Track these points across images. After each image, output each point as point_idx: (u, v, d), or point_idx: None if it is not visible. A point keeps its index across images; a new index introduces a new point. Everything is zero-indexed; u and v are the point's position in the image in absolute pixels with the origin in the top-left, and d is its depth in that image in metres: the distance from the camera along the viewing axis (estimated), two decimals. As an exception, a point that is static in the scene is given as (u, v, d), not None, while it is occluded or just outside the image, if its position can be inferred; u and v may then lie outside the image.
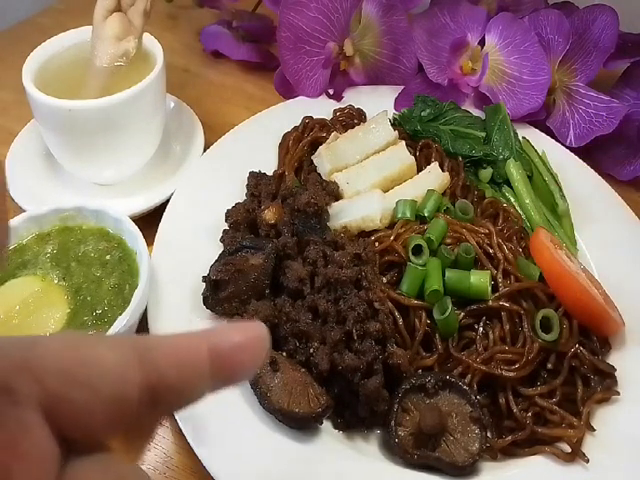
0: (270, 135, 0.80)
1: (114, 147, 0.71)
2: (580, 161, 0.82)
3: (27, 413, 0.20)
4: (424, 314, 0.59)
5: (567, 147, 0.84)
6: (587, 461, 0.54)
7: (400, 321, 0.59)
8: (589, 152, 0.86)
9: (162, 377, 0.22)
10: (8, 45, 1.02)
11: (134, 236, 0.61)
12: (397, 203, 0.67)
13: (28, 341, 0.22)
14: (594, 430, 0.57)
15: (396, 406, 0.54)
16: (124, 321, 0.55)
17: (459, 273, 0.60)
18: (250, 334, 0.25)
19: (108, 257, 0.62)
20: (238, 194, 0.72)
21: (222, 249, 0.64)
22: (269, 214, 0.65)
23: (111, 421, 0.22)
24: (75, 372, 0.21)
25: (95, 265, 0.61)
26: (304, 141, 0.77)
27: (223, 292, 0.59)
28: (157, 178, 0.78)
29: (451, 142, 0.79)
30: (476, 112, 0.86)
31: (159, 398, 0.22)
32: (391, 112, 0.85)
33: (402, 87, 0.89)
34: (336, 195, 0.69)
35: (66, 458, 0.21)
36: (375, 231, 0.65)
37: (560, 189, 0.77)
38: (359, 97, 0.87)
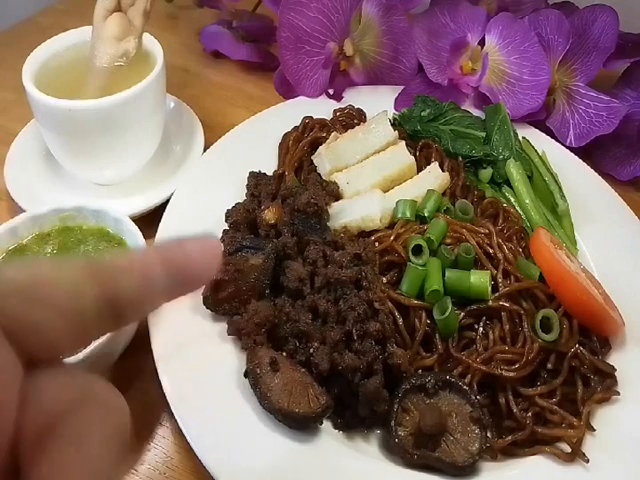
0: (270, 135, 0.80)
1: (114, 147, 0.71)
2: (580, 161, 0.82)
3: None
4: (424, 314, 0.59)
5: (567, 147, 0.84)
6: (587, 461, 0.54)
7: (400, 321, 0.59)
8: (589, 152, 0.86)
9: (118, 289, 0.23)
10: (8, 45, 1.02)
11: (134, 236, 0.61)
12: (397, 203, 0.67)
13: None
14: (594, 430, 0.57)
15: (396, 406, 0.54)
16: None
17: (459, 273, 0.60)
18: (202, 245, 0.26)
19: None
20: (238, 194, 0.72)
21: (222, 249, 0.64)
22: (269, 214, 0.65)
23: (72, 335, 0.22)
24: (30, 290, 0.22)
25: (95, 265, 0.61)
26: (304, 141, 0.77)
27: (223, 292, 0.59)
28: (157, 178, 0.78)
29: (451, 142, 0.79)
30: (476, 112, 0.86)
31: (118, 309, 0.23)
32: (391, 112, 0.85)
33: (402, 87, 0.89)
34: (336, 195, 0.69)
35: (30, 374, 0.21)
36: (375, 231, 0.65)
37: (560, 189, 0.77)
38: (359, 97, 0.87)
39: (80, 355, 0.51)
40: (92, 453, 0.21)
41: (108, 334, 0.53)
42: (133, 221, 0.62)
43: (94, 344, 0.52)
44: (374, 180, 0.70)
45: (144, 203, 0.74)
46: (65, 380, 0.22)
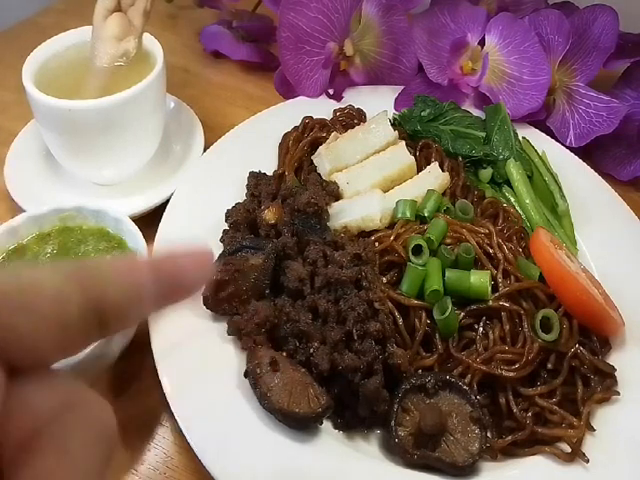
0: (270, 135, 0.80)
1: (114, 147, 0.71)
2: (580, 161, 0.82)
3: None
4: (424, 314, 0.59)
5: (567, 147, 0.84)
6: (587, 461, 0.54)
7: (400, 321, 0.59)
8: (589, 152, 0.86)
9: (103, 296, 0.23)
10: (8, 45, 1.02)
11: (134, 236, 0.61)
12: (397, 203, 0.67)
13: None
14: (594, 430, 0.57)
15: (396, 406, 0.54)
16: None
17: (459, 273, 0.60)
18: (192, 253, 0.26)
19: (108, 257, 0.62)
20: (238, 194, 0.72)
21: (222, 249, 0.64)
22: (269, 214, 0.65)
23: (56, 342, 0.22)
24: (14, 297, 0.21)
25: (95, 265, 0.61)
26: (304, 141, 0.77)
27: (223, 292, 0.59)
28: (157, 178, 0.78)
29: (451, 142, 0.79)
30: (476, 112, 0.86)
31: (104, 317, 0.23)
32: (391, 112, 0.85)
33: (402, 87, 0.89)
34: (336, 195, 0.69)
35: (13, 381, 0.21)
36: (375, 231, 0.65)
37: (560, 189, 0.77)
38: (359, 97, 0.87)
39: (80, 355, 0.51)
40: (75, 460, 0.21)
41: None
42: (133, 221, 0.62)
43: (93, 344, 0.52)
44: (374, 180, 0.70)
45: (144, 203, 0.74)
46: (49, 387, 0.22)
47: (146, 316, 0.25)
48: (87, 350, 0.52)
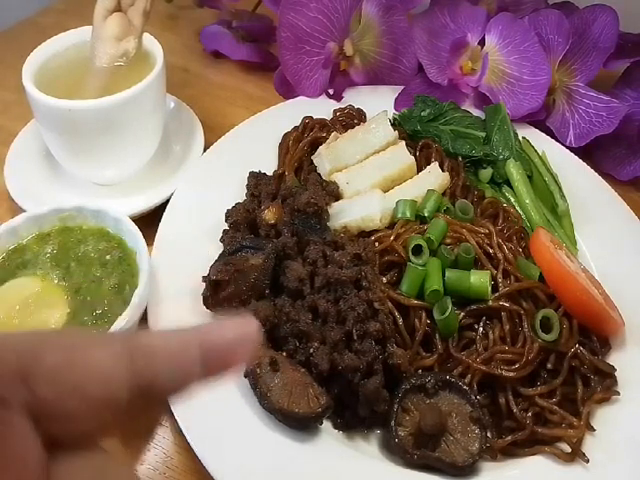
0: (270, 135, 0.80)
1: (114, 147, 0.71)
2: (580, 161, 0.82)
3: (15, 418, 0.20)
4: (424, 314, 0.59)
5: (567, 147, 0.84)
6: (587, 461, 0.54)
7: (400, 321, 0.59)
8: (589, 152, 0.86)
9: (154, 373, 0.22)
10: (8, 45, 1.02)
11: (134, 236, 0.61)
12: (397, 203, 0.67)
13: (21, 343, 0.22)
14: (594, 430, 0.57)
15: (396, 406, 0.54)
16: (124, 321, 0.55)
17: (459, 273, 0.60)
18: (241, 330, 0.25)
19: (108, 257, 0.62)
20: (238, 194, 0.72)
21: (222, 249, 0.64)
22: (269, 214, 0.65)
23: (100, 422, 0.22)
24: (65, 377, 0.21)
25: (95, 265, 0.61)
26: (304, 141, 0.77)
27: (223, 292, 0.59)
28: (157, 178, 0.78)
29: (451, 142, 0.79)
30: (476, 112, 0.86)
31: (151, 394, 0.23)
32: (391, 112, 0.85)
33: (402, 87, 0.89)
34: (336, 195, 0.69)
35: (54, 455, 0.21)
36: (375, 231, 0.65)
37: (560, 189, 0.77)
38: (359, 97, 0.87)
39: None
40: None
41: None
42: (133, 221, 0.62)
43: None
44: (374, 180, 0.70)
45: (144, 203, 0.74)
46: (90, 469, 0.22)
47: (190, 389, 0.24)
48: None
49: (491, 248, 0.63)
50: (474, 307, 0.59)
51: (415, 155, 0.76)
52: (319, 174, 0.73)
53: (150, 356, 0.23)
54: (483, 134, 0.82)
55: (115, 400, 0.22)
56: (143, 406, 0.23)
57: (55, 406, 0.21)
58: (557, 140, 0.85)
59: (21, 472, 0.20)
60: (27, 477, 0.20)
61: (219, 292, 0.59)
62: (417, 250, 0.61)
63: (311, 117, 0.80)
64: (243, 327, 0.25)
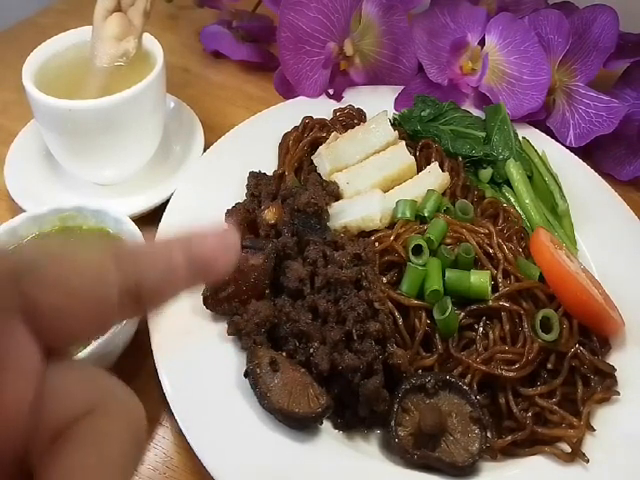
0: (270, 135, 0.80)
1: (114, 147, 0.71)
2: (580, 161, 0.82)
3: (11, 323, 0.20)
4: (424, 314, 0.59)
5: (567, 147, 0.84)
6: (587, 461, 0.54)
7: (400, 321, 0.59)
8: (589, 152, 0.86)
9: (140, 277, 0.23)
10: (8, 45, 1.02)
11: (134, 236, 0.61)
12: (397, 203, 0.67)
13: (17, 253, 0.23)
14: (594, 430, 0.57)
15: (396, 406, 0.54)
16: (123, 321, 0.55)
17: (459, 273, 0.60)
18: (222, 239, 0.26)
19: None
20: (238, 194, 0.72)
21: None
22: (269, 214, 0.65)
23: (92, 322, 0.22)
24: (57, 279, 0.21)
25: (95, 265, 0.61)
26: (304, 141, 0.77)
27: (223, 292, 0.59)
28: (157, 178, 0.78)
29: (451, 142, 0.79)
30: (476, 112, 0.86)
31: (139, 296, 0.23)
32: (391, 112, 0.85)
33: (402, 87, 0.89)
34: (336, 195, 0.69)
35: (50, 364, 0.21)
36: (375, 231, 0.65)
37: (560, 189, 0.77)
38: (359, 97, 0.87)
39: (80, 355, 0.51)
40: (110, 458, 0.20)
41: (108, 334, 0.53)
42: (133, 221, 0.62)
43: (94, 344, 0.52)
44: (374, 180, 0.70)
45: (144, 203, 0.74)
46: (85, 378, 0.22)
47: (177, 295, 0.25)
48: (87, 350, 0.52)
49: (491, 248, 0.63)
50: (474, 307, 0.59)
51: (415, 155, 0.76)
52: (319, 174, 0.73)
53: (136, 260, 0.24)
54: (483, 134, 0.82)
55: (106, 299, 0.22)
56: (133, 309, 0.24)
57: (50, 309, 0.21)
58: (557, 140, 0.85)
59: (16, 375, 0.20)
60: (24, 381, 0.20)
61: (219, 292, 0.59)
62: (417, 250, 0.61)
63: (311, 117, 0.80)
64: (224, 236, 0.27)
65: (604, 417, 0.58)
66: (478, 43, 0.89)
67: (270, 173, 0.74)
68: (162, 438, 0.58)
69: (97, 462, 0.20)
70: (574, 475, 0.54)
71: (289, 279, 0.59)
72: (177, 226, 0.68)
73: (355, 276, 0.58)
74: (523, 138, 0.83)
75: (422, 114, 0.83)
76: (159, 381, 0.55)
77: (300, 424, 0.53)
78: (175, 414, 0.53)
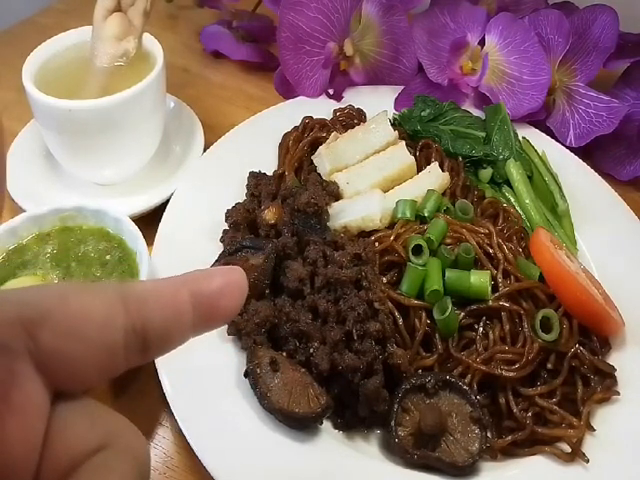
0: (270, 135, 0.80)
1: (114, 147, 0.71)
2: (580, 161, 0.82)
3: (20, 366, 0.20)
4: (424, 314, 0.59)
5: (567, 147, 0.84)
6: (587, 461, 0.54)
7: (400, 321, 0.59)
8: (589, 152, 0.86)
9: (147, 321, 0.23)
10: (8, 45, 1.02)
11: (134, 236, 0.61)
12: (397, 203, 0.67)
13: (20, 295, 0.22)
14: (594, 430, 0.57)
15: (396, 406, 0.54)
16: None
17: (459, 273, 0.60)
18: (228, 279, 0.25)
19: (108, 257, 0.62)
20: (238, 194, 0.72)
21: (222, 249, 0.64)
22: (269, 214, 0.65)
23: (100, 368, 0.22)
24: (63, 322, 0.21)
25: (95, 265, 0.61)
26: (304, 141, 0.77)
27: (223, 292, 0.59)
28: (157, 178, 0.78)
29: (451, 142, 0.79)
30: (476, 112, 0.86)
31: (146, 342, 0.23)
32: (391, 112, 0.85)
33: (402, 87, 0.89)
34: (336, 195, 0.69)
35: (55, 404, 0.21)
36: (375, 231, 0.65)
37: (560, 189, 0.77)
38: (359, 97, 0.87)
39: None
40: None
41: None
42: (133, 221, 0.62)
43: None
44: (374, 180, 0.70)
45: (144, 203, 0.74)
46: (90, 418, 0.22)
47: (185, 341, 0.25)
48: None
49: (491, 248, 0.63)
50: (474, 307, 0.59)
51: (415, 155, 0.76)
52: (319, 174, 0.73)
53: (142, 301, 0.23)
54: (483, 134, 0.82)
55: (112, 343, 0.22)
56: (140, 355, 0.23)
57: (57, 353, 0.21)
58: (557, 140, 0.85)
59: (23, 417, 0.20)
60: (29, 421, 0.20)
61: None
62: (417, 250, 0.61)
63: (311, 117, 0.80)
64: (229, 274, 0.26)
65: (604, 417, 0.58)
66: (478, 43, 0.89)
67: (270, 173, 0.74)
68: (162, 438, 0.58)
69: None
70: (574, 475, 0.54)
71: (289, 279, 0.59)
72: (177, 226, 0.68)
73: (355, 276, 0.58)
74: (523, 138, 0.83)
75: (422, 114, 0.83)
76: (159, 381, 0.55)
77: (300, 424, 0.53)
78: (175, 414, 0.53)
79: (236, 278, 0.26)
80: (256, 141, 0.79)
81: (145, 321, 0.23)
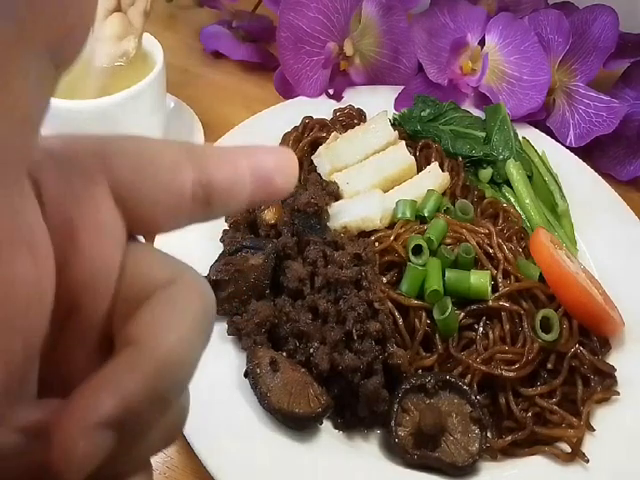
0: (270, 135, 0.80)
1: (114, 147, 0.70)
2: (580, 161, 0.82)
3: (101, 192, 0.20)
4: (424, 314, 0.59)
5: (567, 147, 0.84)
6: (587, 461, 0.54)
7: (400, 321, 0.59)
8: (589, 152, 0.86)
9: (211, 179, 0.23)
10: (8, 45, 1.02)
11: (134, 236, 0.61)
12: (397, 203, 0.67)
13: (95, 134, 0.22)
14: (594, 430, 0.57)
15: (396, 406, 0.54)
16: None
17: (459, 273, 0.60)
18: (284, 159, 0.25)
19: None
20: (238, 194, 0.72)
21: (222, 249, 0.64)
22: (269, 214, 0.65)
23: (168, 213, 0.22)
24: (139, 160, 0.21)
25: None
26: (304, 141, 0.77)
27: (223, 292, 0.59)
28: (157, 178, 0.78)
29: (451, 142, 0.79)
30: (476, 112, 0.86)
31: (209, 197, 0.23)
32: (391, 112, 0.85)
33: (402, 87, 0.89)
34: (336, 195, 0.69)
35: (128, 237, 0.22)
36: (375, 231, 0.65)
37: (560, 189, 0.77)
38: (359, 97, 0.87)
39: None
40: (186, 317, 0.20)
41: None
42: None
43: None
44: (374, 180, 0.70)
45: (144, 203, 0.74)
46: (158, 254, 0.22)
47: (242, 206, 0.25)
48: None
49: (491, 248, 0.63)
50: (474, 307, 0.59)
51: (415, 155, 0.76)
52: (319, 174, 0.73)
53: (206, 159, 0.23)
54: (483, 134, 0.82)
55: (181, 188, 0.22)
56: (203, 211, 0.23)
57: (131, 187, 0.21)
58: (557, 140, 0.85)
59: (103, 237, 0.20)
60: (109, 242, 0.20)
61: (219, 292, 0.59)
62: (417, 250, 0.61)
63: (311, 117, 0.80)
64: (285, 155, 0.25)
65: (604, 417, 0.58)
66: (478, 43, 0.89)
67: (270, 173, 0.74)
68: (162, 438, 0.58)
69: (175, 318, 0.20)
70: (574, 475, 0.54)
71: (289, 279, 0.59)
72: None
73: (355, 276, 0.58)
74: (523, 138, 0.83)
75: (422, 114, 0.83)
76: (159, 381, 0.54)
77: (300, 424, 0.53)
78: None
79: (290, 158, 0.26)
80: (256, 141, 0.79)
81: (210, 177, 0.23)
